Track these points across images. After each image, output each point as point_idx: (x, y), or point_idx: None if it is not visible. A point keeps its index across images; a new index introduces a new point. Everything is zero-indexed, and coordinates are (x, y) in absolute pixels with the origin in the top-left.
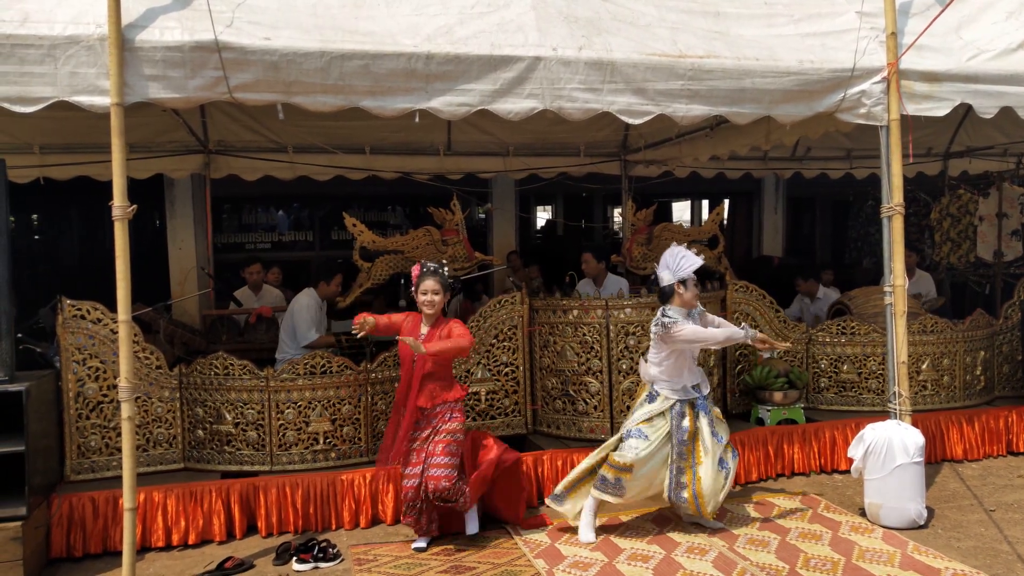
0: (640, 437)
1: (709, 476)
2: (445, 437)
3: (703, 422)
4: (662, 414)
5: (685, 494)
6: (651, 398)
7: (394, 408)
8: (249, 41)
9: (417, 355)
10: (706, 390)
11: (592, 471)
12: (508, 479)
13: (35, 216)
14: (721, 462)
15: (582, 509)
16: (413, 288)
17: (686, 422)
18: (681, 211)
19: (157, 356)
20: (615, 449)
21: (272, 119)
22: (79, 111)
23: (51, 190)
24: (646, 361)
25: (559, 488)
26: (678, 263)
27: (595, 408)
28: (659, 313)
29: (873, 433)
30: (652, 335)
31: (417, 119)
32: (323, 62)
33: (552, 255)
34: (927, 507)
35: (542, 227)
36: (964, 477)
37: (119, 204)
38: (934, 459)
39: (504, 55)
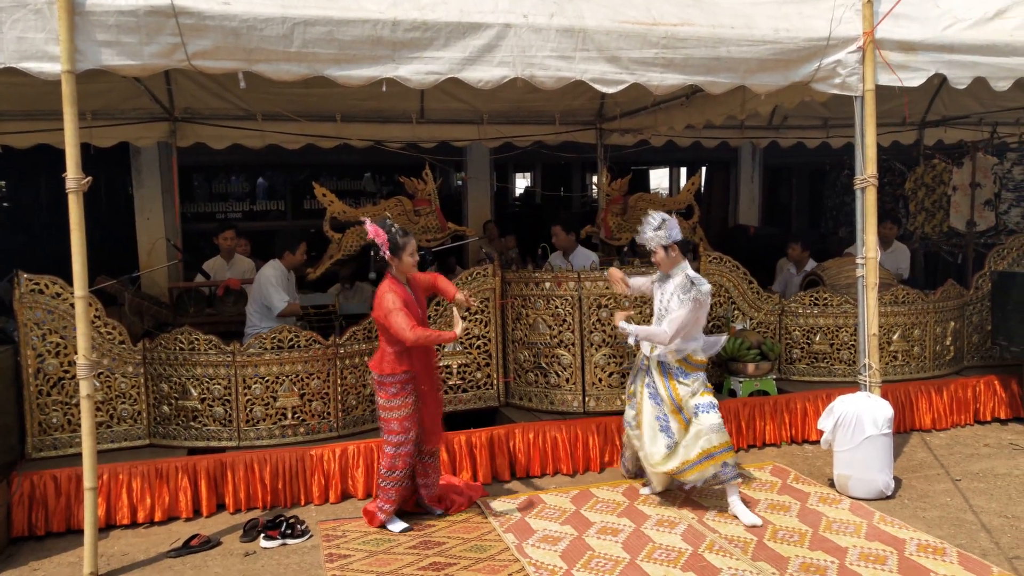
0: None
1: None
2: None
3: None
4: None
5: None
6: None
7: (422, 380)
8: (207, 6)
9: (423, 316)
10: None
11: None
12: None
13: (2, 183)
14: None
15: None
16: (388, 252)
17: None
18: (659, 178)
19: (120, 331)
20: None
21: (239, 85)
22: (33, 77)
23: (18, 157)
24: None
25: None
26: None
27: (567, 380)
28: (688, 279)
29: (843, 405)
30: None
31: (384, 88)
32: (285, 28)
33: (531, 223)
34: (895, 477)
35: (520, 195)
36: (932, 447)
37: (73, 176)
38: (903, 429)
39: (473, 22)
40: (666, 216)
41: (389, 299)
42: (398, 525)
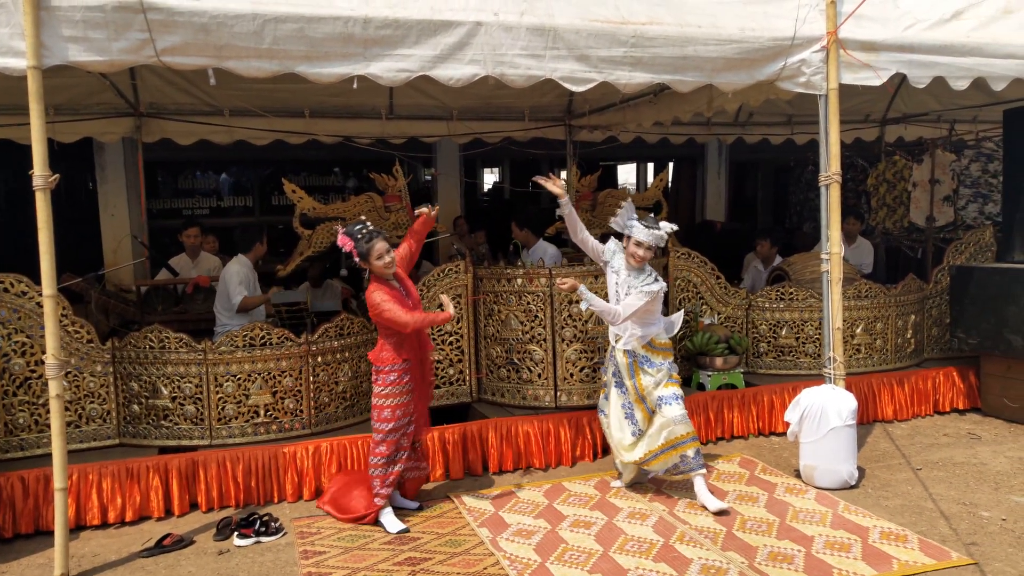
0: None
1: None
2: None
3: None
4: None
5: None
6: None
7: (413, 370)
8: (176, 1)
9: (416, 306)
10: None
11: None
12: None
13: None
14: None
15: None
16: (358, 259)
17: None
18: (627, 174)
19: (88, 330)
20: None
21: (207, 81)
22: None
23: None
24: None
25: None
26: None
27: (539, 376)
28: (654, 277)
29: (808, 398)
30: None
31: (355, 85)
32: (256, 25)
33: (500, 219)
34: (859, 467)
35: (489, 190)
36: (894, 437)
37: (40, 173)
38: (866, 420)
39: (444, 20)
40: (664, 224)
41: (376, 296)
42: (396, 525)
